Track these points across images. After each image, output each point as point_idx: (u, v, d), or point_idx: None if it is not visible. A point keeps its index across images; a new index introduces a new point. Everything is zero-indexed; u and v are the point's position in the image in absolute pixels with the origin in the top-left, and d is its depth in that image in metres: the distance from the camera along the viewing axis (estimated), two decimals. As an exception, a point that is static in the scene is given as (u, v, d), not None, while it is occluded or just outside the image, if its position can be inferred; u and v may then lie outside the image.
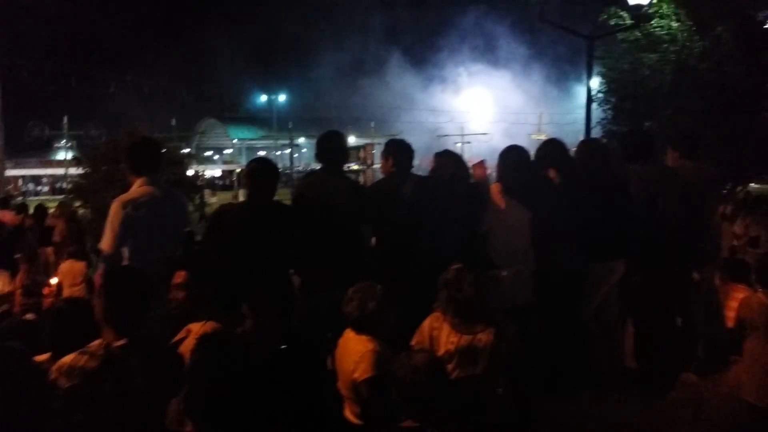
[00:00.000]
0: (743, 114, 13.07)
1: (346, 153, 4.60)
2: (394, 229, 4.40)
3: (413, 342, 3.66)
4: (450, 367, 3.48)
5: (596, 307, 4.73)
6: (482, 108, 33.09)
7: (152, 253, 3.91)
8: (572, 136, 26.92)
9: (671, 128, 12.30)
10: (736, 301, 4.70)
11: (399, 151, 4.69)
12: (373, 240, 4.64)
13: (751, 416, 4.17)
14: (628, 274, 4.70)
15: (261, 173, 4.17)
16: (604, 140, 14.10)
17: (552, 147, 4.79)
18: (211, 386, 2.52)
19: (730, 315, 4.69)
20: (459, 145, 30.78)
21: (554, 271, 4.43)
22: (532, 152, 4.80)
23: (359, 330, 3.38)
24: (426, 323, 3.70)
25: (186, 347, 3.00)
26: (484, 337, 3.53)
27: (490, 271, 4.39)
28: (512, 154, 4.64)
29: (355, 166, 30.19)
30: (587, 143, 5.03)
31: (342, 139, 4.58)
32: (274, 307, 3.28)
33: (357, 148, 31.13)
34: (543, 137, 31.64)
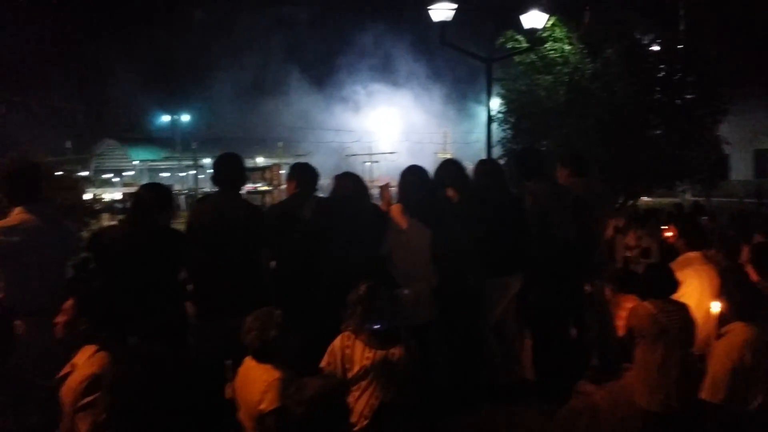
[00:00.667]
0: (633, 131, 13.85)
1: (243, 175, 4.49)
2: (294, 251, 4.35)
3: (323, 363, 3.65)
4: (365, 383, 3.54)
5: (495, 321, 4.85)
6: (389, 127, 33.51)
7: (32, 284, 3.70)
8: (476, 154, 27.67)
9: (567, 146, 12.87)
10: (626, 310, 4.93)
11: (303, 174, 4.67)
12: (273, 263, 4.56)
13: (642, 420, 4.36)
14: (524, 289, 4.84)
15: (144, 197, 4.04)
16: (504, 158, 14.60)
17: (450, 167, 4.89)
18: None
19: (621, 324, 4.90)
20: (367, 164, 31.11)
21: (454, 288, 4.50)
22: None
23: (261, 359, 3.29)
24: (336, 343, 3.69)
25: (70, 384, 2.82)
26: (396, 352, 3.61)
27: (393, 290, 4.41)
28: (412, 175, 4.70)
29: (262, 187, 29.88)
30: (483, 163, 5.18)
31: (239, 161, 4.49)
32: (161, 334, 3.16)
33: (263, 168, 30.81)
34: (448, 156, 32.50)
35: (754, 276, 4.70)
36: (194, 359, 3.37)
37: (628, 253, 10.17)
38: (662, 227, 10.21)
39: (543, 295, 4.77)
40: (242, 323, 3.30)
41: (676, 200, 21.18)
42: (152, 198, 4.00)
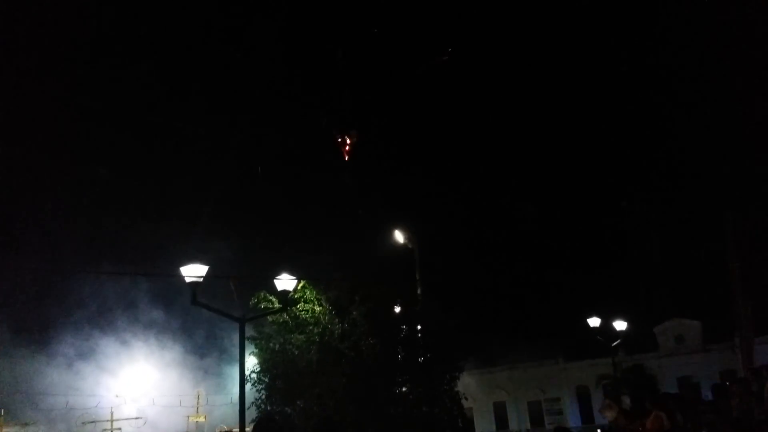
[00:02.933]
0: (380, 388, 14.36)
1: None
2: None
3: None
4: None
5: None
6: (136, 390, 30.72)
7: None
8: (232, 416, 26.12)
9: (318, 405, 12.88)
10: None
11: None
12: None
13: None
14: None
15: None
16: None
17: None
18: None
19: None
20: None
21: None
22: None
23: None
24: None
25: None
26: None
27: None
28: None
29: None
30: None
31: None
32: None
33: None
34: (202, 419, 30.47)
35: None
36: None
37: None
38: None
39: None
40: None
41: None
42: None
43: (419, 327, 16.39)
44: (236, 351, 13.43)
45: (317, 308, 15.04)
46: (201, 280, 12.11)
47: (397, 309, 16.49)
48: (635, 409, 9.76)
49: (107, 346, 29.90)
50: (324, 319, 14.98)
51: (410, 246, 21.61)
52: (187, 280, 12.13)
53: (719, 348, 31.91)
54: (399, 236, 21.01)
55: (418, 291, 20.21)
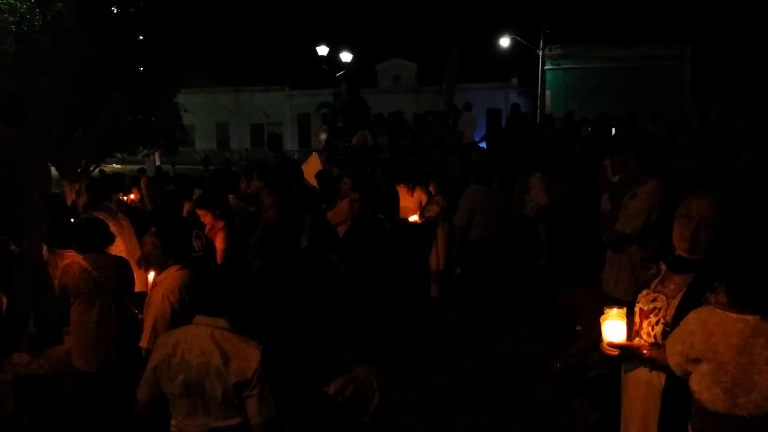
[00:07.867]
0: (90, 93, 13.28)
1: None
2: None
3: None
4: None
5: None
6: None
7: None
8: None
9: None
10: (61, 269, 4.58)
11: None
12: None
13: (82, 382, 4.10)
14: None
15: None
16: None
17: None
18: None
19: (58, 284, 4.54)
20: None
21: None
22: None
23: None
24: None
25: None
26: None
27: None
28: None
29: None
30: None
31: None
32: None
33: None
34: None
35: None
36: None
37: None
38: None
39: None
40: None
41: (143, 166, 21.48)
42: None
43: (140, 32, 15.05)
44: None
45: (14, -7, 12.80)
46: None
47: (116, 9, 14.81)
48: (346, 128, 10.49)
49: None
50: (22, 7, 12.89)
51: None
52: None
53: (429, 90, 35.05)
54: None
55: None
